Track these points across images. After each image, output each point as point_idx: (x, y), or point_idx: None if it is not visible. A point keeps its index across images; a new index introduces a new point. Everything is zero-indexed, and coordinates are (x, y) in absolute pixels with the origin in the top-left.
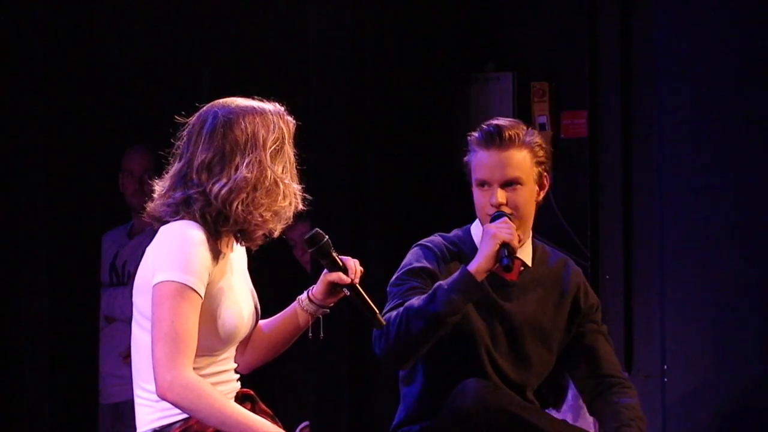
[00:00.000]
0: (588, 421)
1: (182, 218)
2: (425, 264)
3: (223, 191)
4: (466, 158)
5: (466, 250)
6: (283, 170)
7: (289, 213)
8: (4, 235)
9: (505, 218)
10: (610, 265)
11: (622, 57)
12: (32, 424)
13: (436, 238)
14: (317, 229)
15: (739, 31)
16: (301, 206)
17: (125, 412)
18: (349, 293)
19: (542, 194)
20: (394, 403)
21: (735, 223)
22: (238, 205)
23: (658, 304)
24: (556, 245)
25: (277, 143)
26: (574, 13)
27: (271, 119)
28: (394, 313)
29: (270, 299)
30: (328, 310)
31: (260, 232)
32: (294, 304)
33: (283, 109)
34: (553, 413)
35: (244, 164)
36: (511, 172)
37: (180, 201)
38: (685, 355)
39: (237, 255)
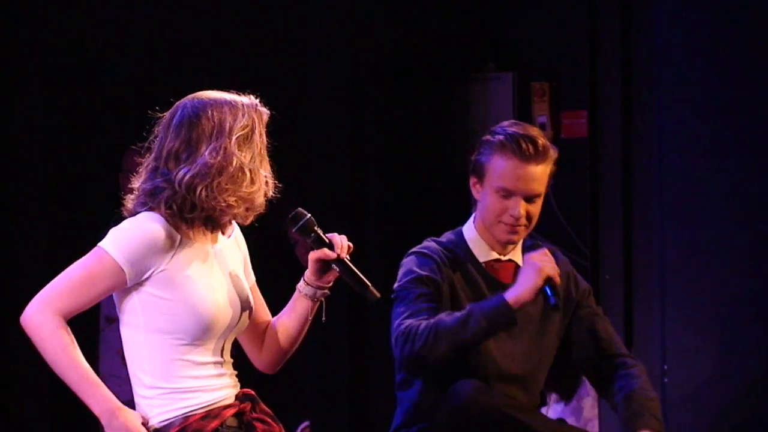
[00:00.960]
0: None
1: (149, 209)
2: (429, 273)
3: (186, 177)
4: (480, 157)
5: (461, 254)
6: (252, 158)
7: (259, 200)
8: (4, 235)
9: (546, 250)
10: (610, 265)
11: (622, 57)
12: (32, 424)
13: (430, 244)
14: (299, 208)
15: (739, 31)
16: (271, 194)
17: None
18: (338, 270)
19: None
20: (393, 403)
21: (735, 223)
22: (201, 190)
23: (658, 304)
24: (555, 245)
25: (245, 130)
26: (574, 13)
27: (240, 108)
28: (423, 324)
29: (271, 298)
30: (327, 292)
31: (226, 218)
32: (295, 292)
33: (256, 100)
34: (556, 410)
35: (208, 151)
36: (537, 187)
37: (147, 191)
38: (685, 355)
39: (226, 247)
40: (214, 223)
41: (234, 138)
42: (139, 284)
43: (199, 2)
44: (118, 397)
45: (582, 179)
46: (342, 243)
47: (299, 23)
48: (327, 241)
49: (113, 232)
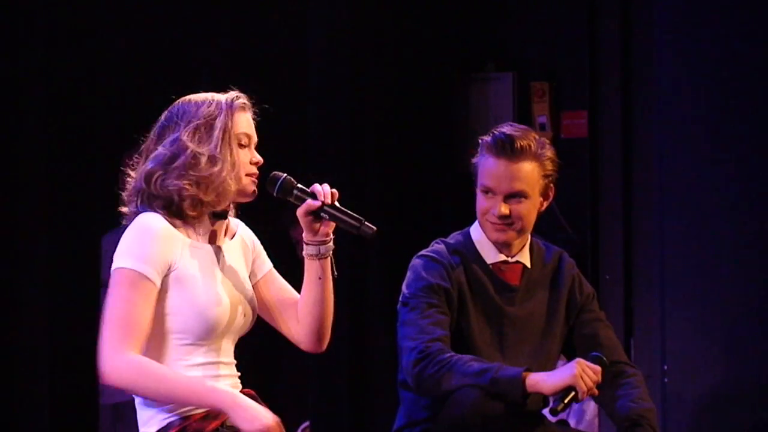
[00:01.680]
0: (591, 423)
1: (145, 210)
2: (440, 282)
3: (145, 170)
4: (474, 159)
5: (469, 255)
6: (216, 145)
7: (227, 185)
8: (5, 235)
9: (599, 369)
10: (610, 265)
11: (622, 57)
12: (32, 424)
13: (439, 246)
14: (274, 172)
15: (739, 31)
16: (246, 180)
17: (125, 412)
18: (327, 216)
19: (546, 204)
20: (394, 404)
21: (735, 223)
22: (156, 179)
23: (658, 304)
24: (556, 245)
25: (207, 119)
26: (574, 13)
27: (206, 102)
28: (440, 356)
29: None
30: (332, 245)
31: (187, 202)
32: (304, 260)
33: (234, 94)
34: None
35: (164, 143)
36: (518, 185)
37: (132, 192)
38: (685, 355)
39: (229, 248)
40: (177, 212)
41: (190, 127)
42: None
43: (200, 1)
44: (118, 398)
45: (582, 179)
46: (324, 190)
47: (299, 23)
48: (309, 192)
49: (122, 246)
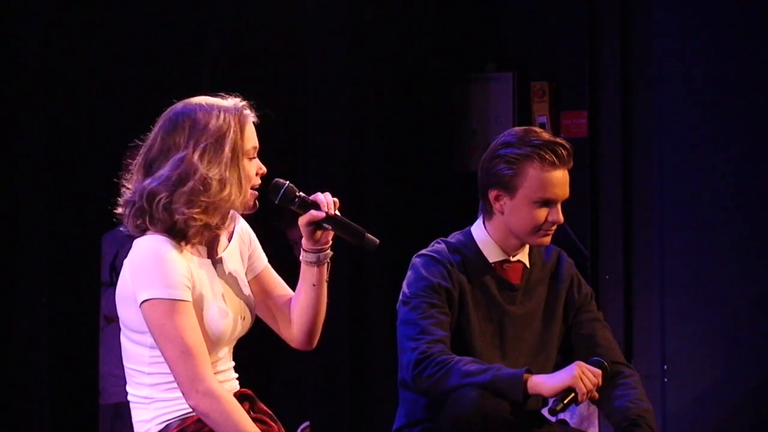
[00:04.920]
0: (592, 422)
1: (149, 231)
2: (441, 281)
3: (147, 189)
4: (506, 170)
5: (471, 255)
6: (222, 164)
7: (236, 203)
8: (5, 235)
9: (601, 372)
10: (610, 265)
11: (622, 57)
12: (32, 424)
13: (440, 246)
14: (276, 179)
15: (738, 31)
16: (249, 195)
17: (125, 412)
18: (330, 227)
19: None
20: (394, 404)
21: (735, 223)
22: (159, 201)
23: (658, 304)
24: (556, 245)
25: (216, 137)
26: (574, 13)
27: (215, 114)
28: (440, 357)
29: None
30: (330, 252)
31: (193, 229)
32: (301, 265)
33: (241, 104)
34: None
35: (170, 162)
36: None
37: (129, 206)
38: (685, 355)
39: (228, 253)
40: (180, 236)
41: (200, 147)
42: None
43: (200, 1)
44: (118, 398)
45: (582, 179)
46: (327, 200)
47: (299, 22)
48: (312, 202)
49: (142, 277)
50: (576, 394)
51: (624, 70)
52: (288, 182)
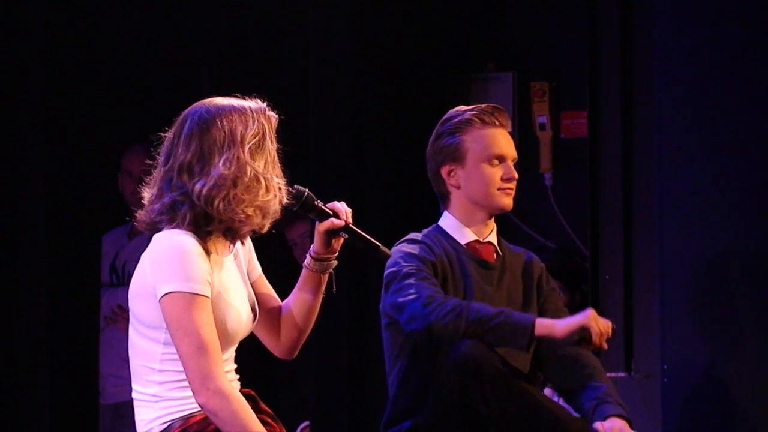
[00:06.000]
0: None
1: (174, 226)
2: (426, 255)
3: (204, 191)
4: (450, 142)
5: (444, 239)
6: (265, 165)
7: (275, 207)
8: (5, 236)
9: (611, 325)
10: (610, 265)
11: (622, 57)
12: (32, 424)
13: (415, 235)
14: (295, 185)
15: (739, 31)
16: (285, 200)
17: (125, 412)
18: (347, 236)
19: None
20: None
21: (735, 223)
22: (219, 203)
23: (658, 304)
24: (556, 245)
25: (257, 138)
26: (574, 13)
27: (249, 115)
28: (452, 300)
29: None
30: (335, 262)
31: (246, 229)
32: (303, 271)
33: (264, 105)
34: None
35: (222, 161)
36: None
37: (167, 206)
38: (685, 355)
39: (235, 257)
40: (233, 234)
41: (246, 147)
42: None
43: (200, 1)
44: (118, 398)
45: (582, 179)
46: (344, 209)
47: (299, 22)
48: (330, 211)
49: (169, 269)
50: (590, 334)
51: (624, 70)
52: (307, 190)
